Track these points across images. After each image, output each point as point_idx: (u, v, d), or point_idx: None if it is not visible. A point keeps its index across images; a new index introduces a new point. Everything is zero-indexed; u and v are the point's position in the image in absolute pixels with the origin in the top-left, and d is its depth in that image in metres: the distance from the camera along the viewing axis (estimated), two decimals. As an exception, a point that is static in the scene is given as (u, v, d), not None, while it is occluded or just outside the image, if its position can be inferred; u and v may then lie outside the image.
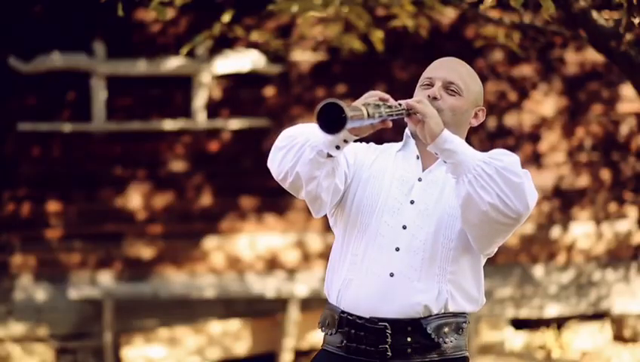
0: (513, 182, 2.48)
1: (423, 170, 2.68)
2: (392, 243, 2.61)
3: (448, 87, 2.66)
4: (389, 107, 2.46)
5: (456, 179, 2.53)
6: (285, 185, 2.63)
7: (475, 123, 2.74)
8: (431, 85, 2.67)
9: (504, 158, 2.52)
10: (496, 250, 2.69)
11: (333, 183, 2.60)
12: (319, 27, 6.68)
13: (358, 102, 2.45)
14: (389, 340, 2.58)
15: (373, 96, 2.51)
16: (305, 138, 2.56)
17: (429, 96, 2.64)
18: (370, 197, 2.65)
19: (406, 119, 2.59)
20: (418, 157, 2.70)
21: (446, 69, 2.69)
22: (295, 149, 2.56)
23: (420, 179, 2.67)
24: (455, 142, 2.51)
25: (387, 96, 2.53)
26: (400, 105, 2.51)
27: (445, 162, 2.54)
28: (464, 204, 2.51)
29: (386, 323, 2.59)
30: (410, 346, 2.59)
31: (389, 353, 2.59)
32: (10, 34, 6.92)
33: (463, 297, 2.63)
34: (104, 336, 6.79)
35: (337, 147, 2.51)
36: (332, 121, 2.32)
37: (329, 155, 2.53)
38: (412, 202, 2.64)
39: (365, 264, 2.63)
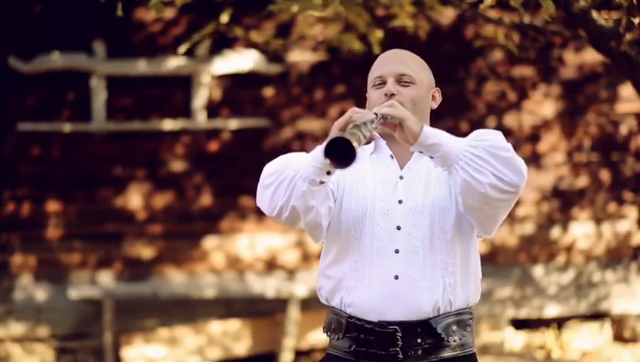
0: (504, 158, 2.50)
1: (401, 167, 2.69)
2: (390, 246, 2.61)
3: (401, 80, 2.68)
4: (372, 121, 2.47)
5: (448, 169, 2.53)
6: (281, 220, 2.61)
7: (434, 105, 2.76)
8: (383, 83, 2.69)
9: (488, 137, 2.53)
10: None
11: (329, 206, 2.60)
12: (319, 27, 6.68)
13: (339, 124, 2.46)
14: (399, 343, 2.59)
15: (356, 114, 2.49)
16: (293, 171, 2.54)
17: (385, 94, 2.65)
18: (358, 204, 2.64)
19: (381, 126, 2.57)
20: (392, 157, 2.70)
21: (393, 62, 2.71)
22: (285, 184, 2.54)
23: (401, 178, 2.67)
24: (438, 135, 2.52)
25: (365, 113, 2.51)
26: (377, 115, 2.51)
27: (432, 158, 2.53)
28: (463, 191, 2.51)
29: (396, 327, 2.59)
30: (421, 347, 2.60)
31: (400, 355, 2.59)
32: (10, 34, 6.92)
33: (464, 287, 2.64)
34: (104, 336, 6.79)
35: (328, 173, 2.50)
36: (341, 155, 2.32)
37: (321, 182, 2.53)
38: (400, 201, 2.63)
39: (367, 269, 2.62)
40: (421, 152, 2.54)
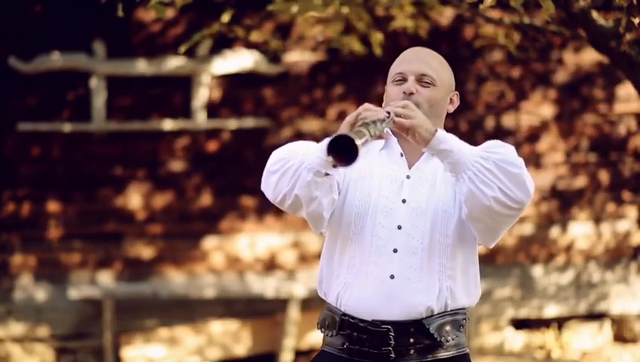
0: (513, 174, 2.49)
1: (409, 167, 2.68)
2: (389, 245, 2.60)
3: (422, 80, 2.66)
4: (383, 121, 2.46)
5: (456, 177, 2.52)
6: (283, 207, 2.61)
7: (451, 109, 2.75)
8: (404, 80, 2.67)
9: (501, 150, 2.52)
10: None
11: (332, 198, 2.60)
12: (319, 27, 6.68)
13: (350, 120, 2.47)
14: (392, 342, 2.59)
15: (367, 111, 2.49)
16: (299, 160, 2.54)
17: (404, 92, 2.64)
18: (362, 199, 2.64)
19: (394, 125, 2.57)
20: (402, 155, 2.69)
21: (416, 61, 2.70)
22: (291, 172, 2.54)
23: (408, 177, 2.66)
24: (449, 141, 2.51)
25: (376, 110, 2.50)
26: (389, 114, 2.50)
27: (443, 161, 2.53)
28: (467, 200, 2.51)
29: (389, 326, 2.59)
30: (414, 347, 2.60)
31: (393, 355, 2.59)
32: (10, 34, 6.93)
33: (463, 291, 2.64)
34: (104, 336, 6.80)
35: (335, 165, 2.48)
36: (344, 153, 2.33)
37: (327, 174, 2.53)
38: (404, 201, 2.63)
39: (364, 267, 2.62)
40: (432, 154, 2.54)
